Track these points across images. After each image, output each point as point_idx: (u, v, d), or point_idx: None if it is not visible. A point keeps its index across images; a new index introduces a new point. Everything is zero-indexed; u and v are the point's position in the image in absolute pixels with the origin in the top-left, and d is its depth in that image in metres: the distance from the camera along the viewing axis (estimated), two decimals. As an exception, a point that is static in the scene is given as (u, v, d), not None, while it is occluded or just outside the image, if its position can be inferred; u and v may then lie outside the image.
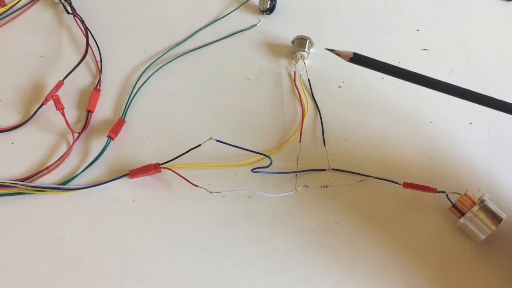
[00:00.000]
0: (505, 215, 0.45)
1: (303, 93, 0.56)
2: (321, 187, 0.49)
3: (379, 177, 0.49)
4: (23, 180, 0.49)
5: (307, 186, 0.49)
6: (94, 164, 0.50)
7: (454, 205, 0.46)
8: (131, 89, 0.56)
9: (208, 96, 0.56)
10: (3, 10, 0.62)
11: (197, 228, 0.47)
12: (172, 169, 0.49)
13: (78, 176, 0.49)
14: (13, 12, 0.63)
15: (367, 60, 0.41)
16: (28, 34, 0.61)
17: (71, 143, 0.51)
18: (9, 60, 0.59)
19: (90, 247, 0.46)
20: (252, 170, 0.49)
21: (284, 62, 0.60)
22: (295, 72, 0.58)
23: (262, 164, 0.49)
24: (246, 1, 0.65)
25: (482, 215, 0.44)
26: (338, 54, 0.41)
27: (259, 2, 0.64)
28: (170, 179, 0.50)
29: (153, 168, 0.49)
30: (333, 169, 0.50)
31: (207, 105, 0.55)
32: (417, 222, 0.48)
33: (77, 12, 0.62)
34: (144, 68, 0.58)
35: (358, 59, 0.40)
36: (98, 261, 0.45)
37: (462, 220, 0.45)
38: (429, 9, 0.66)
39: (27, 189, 0.48)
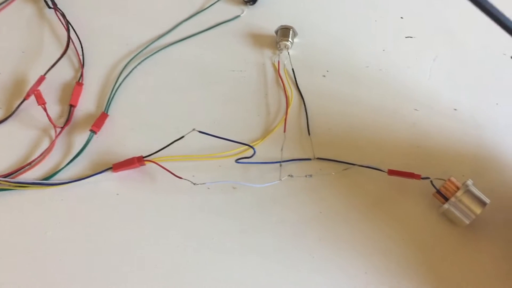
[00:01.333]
0: (489, 200, 0.45)
1: (287, 83, 0.56)
2: (305, 176, 0.49)
3: (363, 165, 0.49)
4: (5, 176, 0.48)
5: (291, 176, 0.49)
6: (77, 159, 0.50)
7: (438, 191, 0.46)
8: (114, 83, 0.55)
9: (191, 88, 0.56)
10: (-17, 6, 0.62)
11: (182, 220, 0.47)
12: (156, 161, 0.48)
13: (61, 171, 0.49)
14: (-6, 7, 0.63)
15: None
16: (9, 29, 0.61)
17: (54, 138, 0.51)
18: (-11, 56, 0.58)
19: (74, 242, 0.45)
20: (236, 161, 0.49)
21: (268, 52, 0.59)
22: (279, 62, 0.58)
23: (246, 155, 0.49)
24: (229, -8, 0.65)
25: (466, 200, 0.44)
26: None
27: (242, -7, 0.63)
28: (154, 171, 0.49)
29: (137, 161, 0.48)
30: (318, 158, 0.50)
31: (191, 97, 0.55)
32: (401, 209, 0.48)
33: (58, 6, 0.62)
34: (127, 61, 0.57)
35: None
36: (83, 257, 0.44)
37: (446, 205, 0.45)
38: (413, -4, 0.66)
39: (9, 185, 0.47)
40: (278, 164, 0.49)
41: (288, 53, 0.58)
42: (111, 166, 0.49)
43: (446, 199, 0.45)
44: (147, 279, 0.44)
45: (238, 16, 0.63)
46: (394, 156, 0.51)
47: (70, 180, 0.48)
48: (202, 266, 0.44)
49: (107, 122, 0.52)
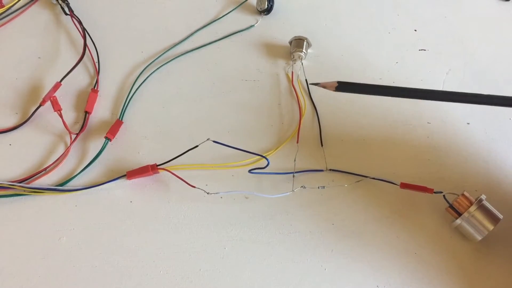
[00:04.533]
0: (502, 216, 0.45)
1: (301, 93, 0.56)
2: (318, 187, 0.49)
3: (376, 177, 0.49)
4: (21, 181, 0.49)
5: (304, 187, 0.49)
6: (91, 165, 0.50)
7: (451, 206, 0.46)
8: (129, 90, 0.56)
9: (205, 97, 0.56)
10: (1, 11, 0.63)
11: (195, 229, 0.47)
12: (170, 170, 0.49)
13: (76, 178, 0.49)
14: (11, 13, 0.63)
15: (352, 86, 0.41)
16: (26, 35, 0.62)
17: (69, 144, 0.51)
18: (6, 61, 0.59)
19: (87, 248, 0.46)
20: (250, 171, 0.49)
21: (281, 62, 0.60)
22: (292, 72, 0.58)
23: (259, 165, 0.49)
24: (243, 2, 0.66)
25: (479, 216, 0.44)
26: (324, 86, 0.42)
27: (257, 3, 0.64)
28: (167, 180, 0.50)
29: (151, 169, 0.49)
30: (330, 169, 0.51)
31: (205, 106, 0.56)
32: (414, 223, 0.48)
33: (74, 13, 0.62)
34: (142, 69, 0.58)
35: (343, 86, 0.41)
36: (96, 263, 0.45)
37: (459, 220, 0.45)
38: (427, 9, 0.67)
39: (25, 191, 0.48)
40: (291, 175, 0.50)
41: (302, 64, 0.58)
42: (125, 173, 0.49)
43: (459, 214, 0.45)
44: (159, 285, 0.44)
45: (252, 26, 0.63)
46: (407, 168, 0.51)
47: (84, 187, 0.49)
48: (213, 275, 0.45)
49: (122, 129, 0.53)
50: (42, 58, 0.59)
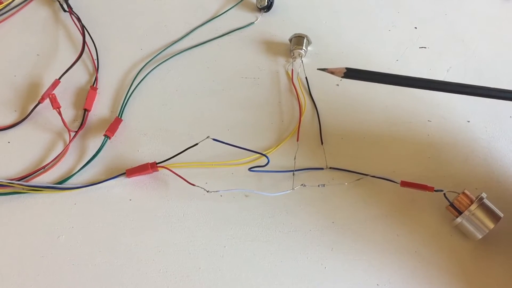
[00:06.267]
0: (502, 214, 0.44)
1: (301, 91, 0.56)
2: (318, 186, 0.49)
3: (376, 175, 0.49)
4: (19, 179, 0.48)
5: (304, 185, 0.49)
6: (90, 163, 0.50)
7: (451, 204, 0.45)
8: (128, 88, 0.56)
9: (205, 95, 0.56)
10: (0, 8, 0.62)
11: (194, 227, 0.47)
12: (169, 168, 0.48)
13: (75, 175, 0.49)
14: (9, 10, 0.63)
15: (360, 73, 0.41)
16: (24, 32, 0.61)
17: (68, 142, 0.51)
18: (5, 59, 0.58)
19: (86, 246, 0.45)
20: (249, 169, 0.49)
21: (281, 60, 0.59)
22: (292, 70, 0.58)
23: (259, 163, 0.49)
24: (243, -1, 0.65)
25: (479, 214, 0.44)
26: (332, 72, 0.41)
27: (257, 0, 0.64)
28: (167, 178, 0.49)
29: (150, 167, 0.48)
30: (330, 167, 0.50)
31: (204, 103, 0.55)
32: (414, 221, 0.47)
33: (73, 10, 0.62)
34: (141, 66, 0.58)
35: (351, 73, 0.40)
36: (95, 261, 0.45)
37: (459, 219, 0.45)
38: (427, 6, 0.66)
39: (23, 189, 0.48)
40: (291, 173, 0.50)
41: (302, 61, 0.58)
42: (124, 171, 0.49)
43: (460, 213, 0.45)
44: (159, 285, 0.44)
45: (252, 23, 0.63)
46: (407, 167, 0.51)
47: (83, 185, 0.48)
48: (212, 273, 0.44)
49: (121, 127, 0.52)
50: (40, 55, 0.59)
